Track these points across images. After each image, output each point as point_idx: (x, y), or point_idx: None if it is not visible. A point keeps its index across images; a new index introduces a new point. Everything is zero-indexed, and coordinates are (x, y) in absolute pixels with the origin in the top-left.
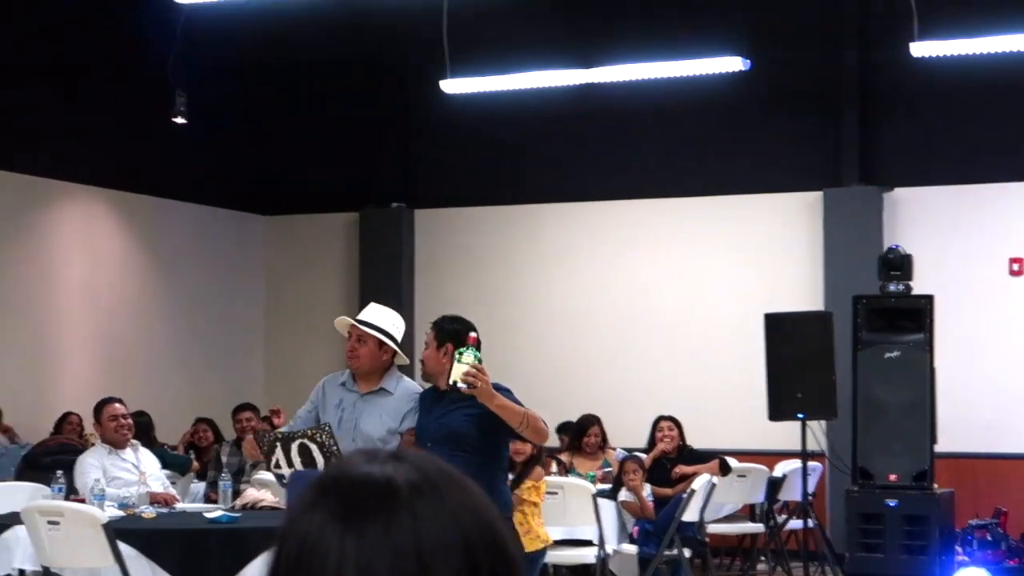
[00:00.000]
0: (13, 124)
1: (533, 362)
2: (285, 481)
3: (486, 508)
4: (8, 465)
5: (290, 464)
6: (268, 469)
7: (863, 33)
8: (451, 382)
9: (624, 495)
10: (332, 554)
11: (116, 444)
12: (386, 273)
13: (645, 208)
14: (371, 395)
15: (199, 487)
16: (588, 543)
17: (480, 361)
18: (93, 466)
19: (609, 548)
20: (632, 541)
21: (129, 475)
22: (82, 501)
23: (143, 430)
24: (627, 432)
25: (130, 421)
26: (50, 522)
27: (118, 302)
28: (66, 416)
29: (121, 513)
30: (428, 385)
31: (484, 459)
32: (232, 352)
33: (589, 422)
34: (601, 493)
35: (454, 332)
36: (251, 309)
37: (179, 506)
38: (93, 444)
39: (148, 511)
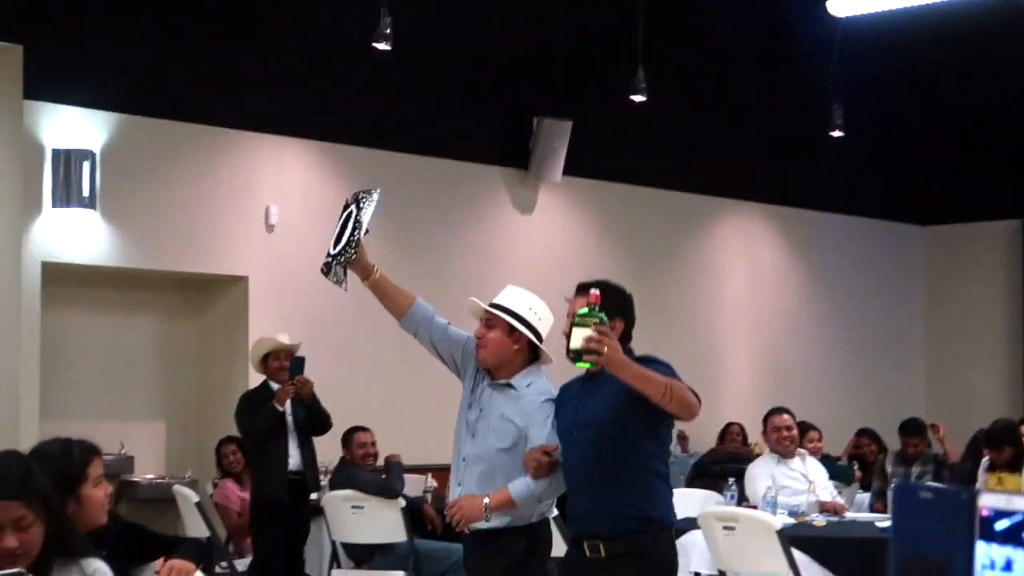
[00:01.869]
0: (682, 146)
1: None
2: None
3: None
4: (677, 473)
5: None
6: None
7: None
8: (570, 351)
9: None
10: None
11: (784, 454)
12: None
13: None
14: (499, 387)
15: (864, 497)
16: None
17: (604, 322)
18: (763, 475)
19: None
20: None
21: (798, 484)
22: (754, 508)
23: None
24: None
25: (794, 432)
26: (725, 527)
27: (778, 314)
28: (728, 426)
29: (792, 520)
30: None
31: (637, 443)
32: (892, 364)
33: None
34: None
35: (622, 305)
36: (910, 320)
37: (848, 515)
38: (759, 453)
39: (819, 519)
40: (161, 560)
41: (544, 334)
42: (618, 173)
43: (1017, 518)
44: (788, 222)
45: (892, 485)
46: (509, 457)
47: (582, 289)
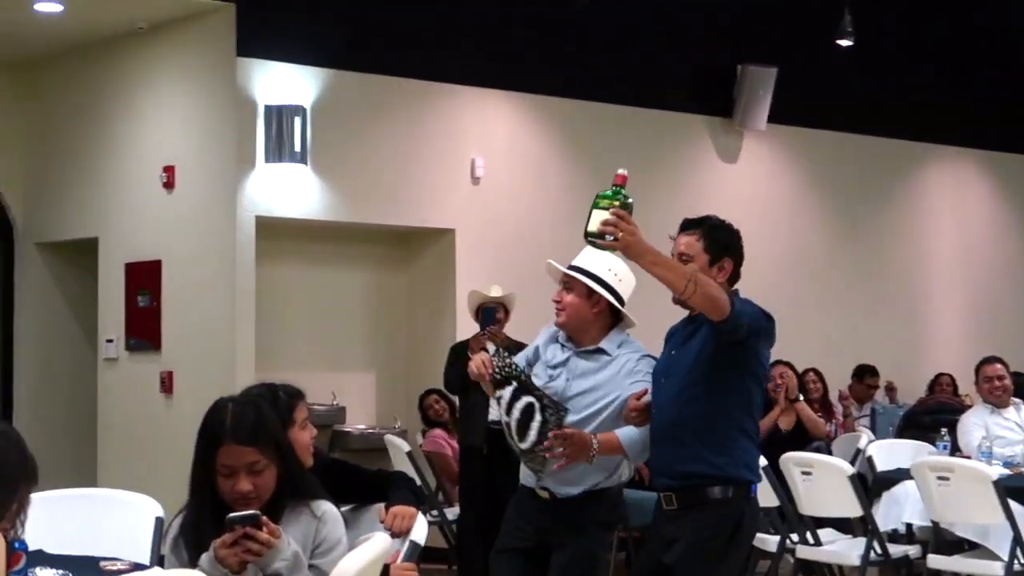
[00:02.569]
0: (889, 92)
1: None
2: (491, 421)
3: None
4: (886, 424)
5: (507, 412)
6: (488, 392)
7: None
8: (587, 233)
9: None
10: None
11: (996, 403)
12: None
13: None
14: (586, 354)
15: None
16: None
17: (626, 205)
18: (976, 425)
19: None
20: None
21: (1012, 434)
22: (967, 458)
23: (1020, 390)
24: None
25: (1007, 382)
26: (939, 478)
27: (989, 262)
28: (938, 377)
29: (1008, 471)
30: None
31: (719, 396)
32: None
33: None
34: None
35: (729, 244)
36: None
37: None
38: (970, 404)
39: None
40: (382, 508)
41: (626, 297)
42: (825, 120)
43: None
44: (1001, 168)
45: None
46: (598, 425)
47: (688, 226)
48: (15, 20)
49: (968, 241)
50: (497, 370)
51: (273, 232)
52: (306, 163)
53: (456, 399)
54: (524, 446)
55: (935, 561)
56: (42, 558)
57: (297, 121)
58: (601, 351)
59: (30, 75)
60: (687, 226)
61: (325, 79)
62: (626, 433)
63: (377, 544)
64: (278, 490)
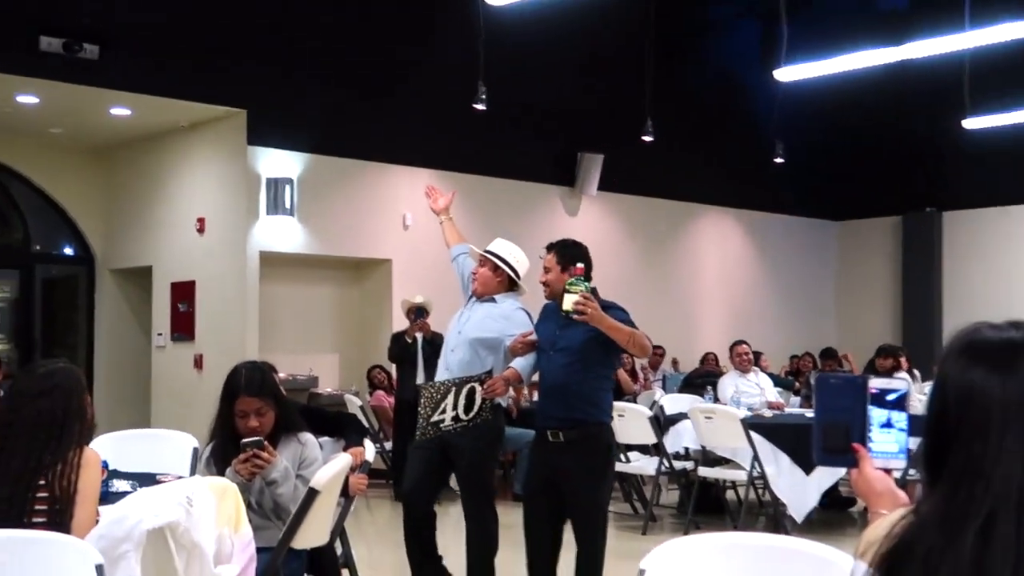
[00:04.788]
0: (677, 170)
1: None
2: (446, 426)
3: None
4: (672, 384)
5: (454, 407)
6: (424, 415)
7: None
8: (563, 311)
9: None
10: (995, 394)
11: (743, 370)
12: (921, 262)
13: None
14: (483, 302)
15: (796, 399)
16: None
17: (587, 289)
18: (730, 384)
19: None
20: None
21: (753, 390)
22: (724, 405)
23: (755, 362)
24: None
25: (750, 356)
26: (706, 417)
27: (739, 282)
28: (706, 355)
29: (750, 413)
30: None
31: (594, 368)
32: (813, 313)
33: None
34: None
35: (575, 255)
36: (825, 286)
37: (786, 410)
38: (726, 371)
39: (767, 413)
40: (342, 449)
41: (521, 273)
42: (634, 188)
43: (899, 392)
44: (747, 220)
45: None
46: (483, 346)
47: (550, 248)
48: (97, 119)
49: (726, 268)
50: (434, 394)
51: (271, 262)
52: (294, 216)
53: (394, 368)
54: (468, 415)
55: (703, 471)
56: (117, 474)
57: (288, 187)
58: (491, 300)
59: (107, 156)
60: (548, 248)
61: (307, 160)
62: (518, 363)
63: (341, 461)
64: (275, 426)
